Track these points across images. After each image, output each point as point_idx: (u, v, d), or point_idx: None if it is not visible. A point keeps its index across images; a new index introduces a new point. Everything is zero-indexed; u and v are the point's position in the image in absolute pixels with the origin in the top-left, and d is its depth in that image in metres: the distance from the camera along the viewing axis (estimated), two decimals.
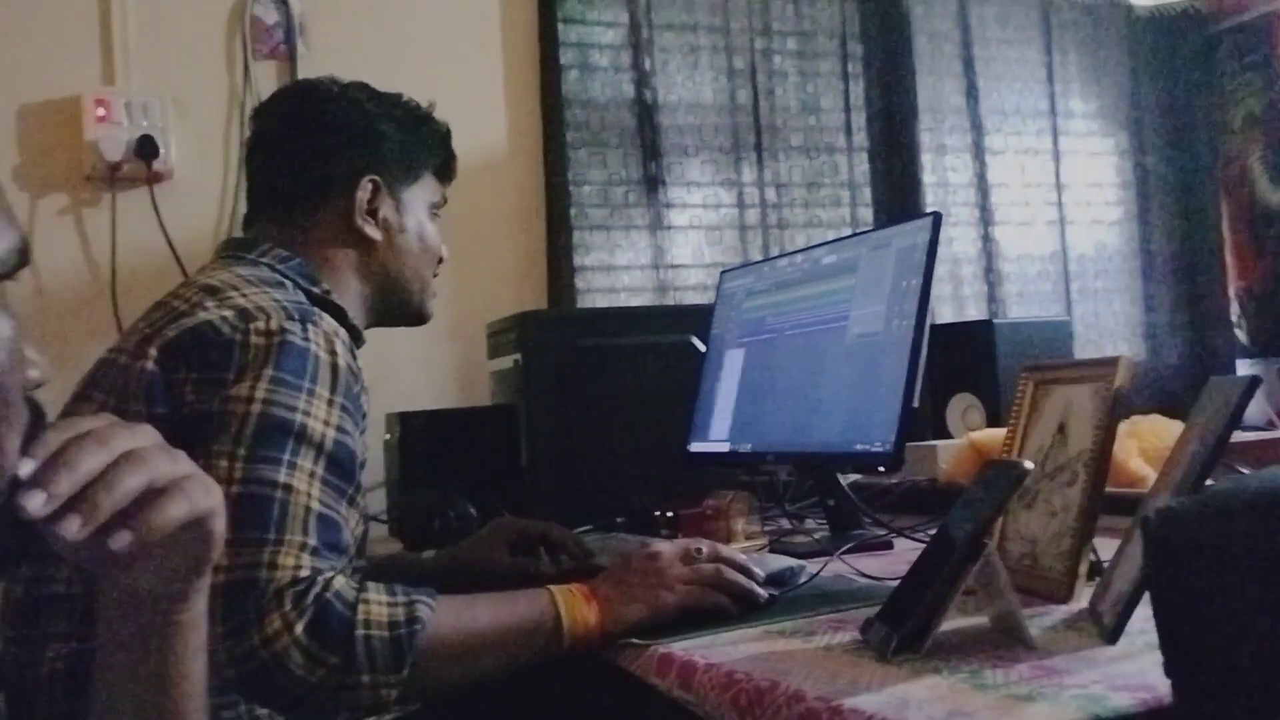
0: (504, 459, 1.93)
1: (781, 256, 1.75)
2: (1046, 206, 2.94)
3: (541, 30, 2.47)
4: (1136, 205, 3.07)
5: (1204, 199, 3.17)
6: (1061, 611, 1.00)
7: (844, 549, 1.36)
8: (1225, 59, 3.18)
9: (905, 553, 1.37)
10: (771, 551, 1.44)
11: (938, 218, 1.35)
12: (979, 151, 2.84)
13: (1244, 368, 3.09)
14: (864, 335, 1.44)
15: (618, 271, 2.49)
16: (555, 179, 2.45)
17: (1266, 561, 0.57)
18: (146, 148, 2.11)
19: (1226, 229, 3.18)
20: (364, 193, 1.33)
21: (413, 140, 1.39)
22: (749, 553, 1.34)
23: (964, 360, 2.25)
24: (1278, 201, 3.06)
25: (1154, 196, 3.09)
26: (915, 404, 1.38)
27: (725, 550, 1.17)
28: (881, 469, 1.40)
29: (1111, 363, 1.07)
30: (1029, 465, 0.91)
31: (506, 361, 2.01)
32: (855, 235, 1.60)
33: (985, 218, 2.84)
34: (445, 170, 1.45)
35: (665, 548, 1.14)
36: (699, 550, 1.13)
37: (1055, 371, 1.18)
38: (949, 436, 2.14)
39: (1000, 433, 1.53)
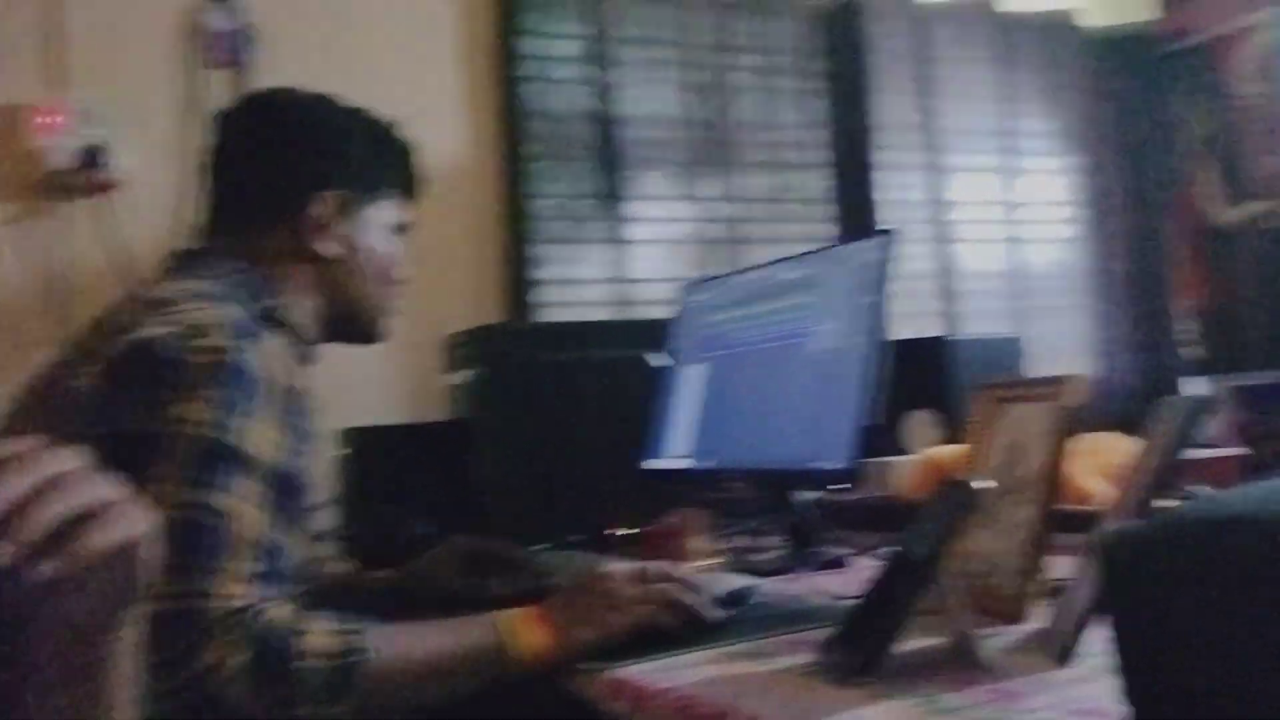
0: (459, 475, 1.90)
1: (742, 271, 1.75)
2: (1002, 224, 2.97)
3: (500, 42, 2.46)
4: (1091, 224, 3.10)
5: (1156, 218, 3.22)
6: (1017, 632, 0.99)
7: (803, 567, 1.35)
8: (1176, 80, 3.23)
9: (864, 570, 1.36)
10: (730, 570, 1.42)
11: (892, 235, 1.35)
12: (935, 169, 2.87)
13: (1195, 385, 3.13)
14: (823, 351, 1.44)
15: (577, 285, 2.48)
16: (514, 191, 2.44)
17: (1223, 583, 0.57)
18: (93, 156, 2.07)
19: (1178, 248, 3.23)
20: (324, 208, 1.29)
21: (377, 157, 1.35)
22: (706, 571, 1.33)
23: (920, 376, 2.25)
24: (1227, 222, 3.12)
25: (1108, 215, 3.13)
26: (874, 420, 1.38)
27: (677, 569, 1.15)
28: (839, 486, 1.39)
29: (1065, 381, 1.07)
30: (986, 485, 0.91)
31: (464, 375, 1.98)
32: (814, 251, 1.59)
33: (942, 235, 2.87)
34: (410, 189, 1.41)
35: (617, 568, 1.12)
36: (650, 570, 1.12)
37: (1010, 389, 1.18)
38: (905, 452, 2.14)
39: (956, 449, 1.54)
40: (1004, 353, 2.59)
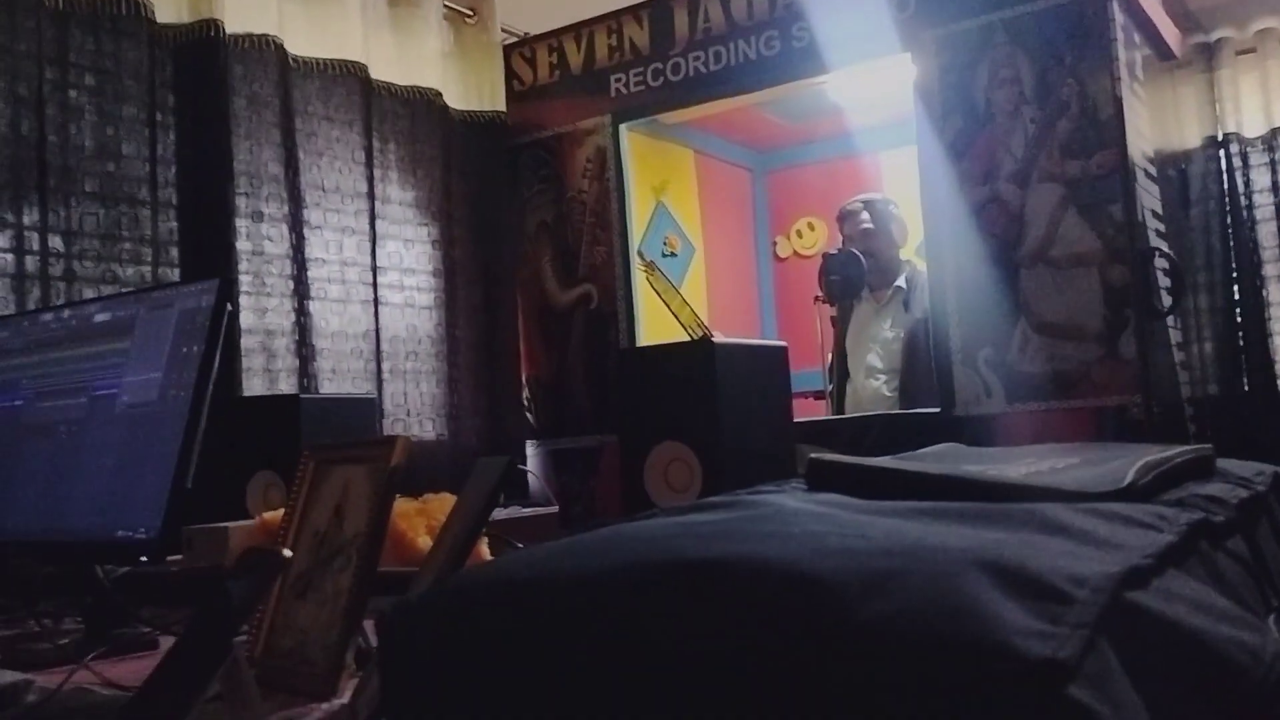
0: None
1: (45, 310, 1.51)
2: (362, 286, 2.98)
3: None
4: (445, 293, 3.25)
5: (504, 293, 3.48)
6: (323, 710, 0.93)
7: (102, 653, 1.17)
8: (525, 169, 3.55)
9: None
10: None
11: (225, 283, 1.25)
12: (297, 224, 2.80)
13: (531, 449, 3.41)
14: (136, 406, 1.28)
15: None
16: None
17: (494, 654, 0.56)
18: None
19: (521, 322, 3.52)
20: None
21: None
22: None
23: (269, 436, 2.17)
24: (563, 302, 3.47)
25: (461, 287, 3.30)
26: (195, 482, 1.25)
27: None
28: (144, 558, 1.23)
29: (389, 442, 1.05)
30: (287, 553, 0.84)
31: None
32: (133, 292, 1.43)
33: (301, 291, 2.80)
34: None
35: None
36: None
37: (335, 451, 1.14)
38: (248, 516, 2.01)
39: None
40: (359, 413, 2.58)
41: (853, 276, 3.42)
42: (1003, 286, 2.72)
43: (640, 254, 3.48)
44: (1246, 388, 3.38)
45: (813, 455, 0.82)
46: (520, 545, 1.40)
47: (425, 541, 1.58)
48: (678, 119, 3.67)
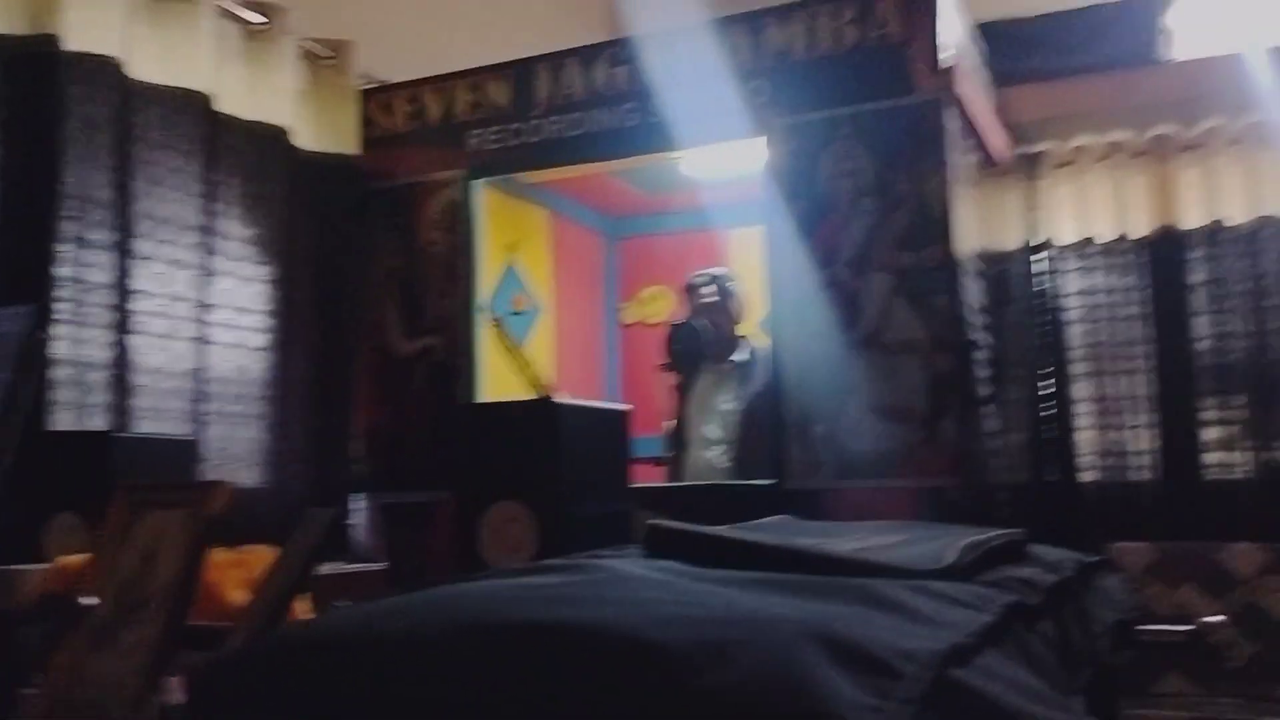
0: None
1: None
2: (190, 322, 2.85)
3: None
4: (280, 335, 3.13)
5: (343, 339, 3.38)
6: None
7: None
8: (375, 215, 3.48)
9: None
10: None
11: (37, 310, 1.18)
12: (124, 253, 2.65)
13: (360, 501, 3.30)
14: None
15: None
16: None
17: (318, 716, 0.53)
18: None
19: (359, 370, 3.42)
20: None
21: None
22: None
23: (75, 475, 2.04)
24: (405, 351, 3.39)
25: (297, 329, 3.19)
26: None
27: None
28: None
29: (209, 488, 1.00)
30: (89, 600, 0.78)
31: None
32: None
33: (123, 323, 2.65)
34: None
35: None
36: None
37: (151, 493, 1.07)
38: (48, 560, 1.87)
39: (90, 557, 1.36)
40: (176, 455, 2.46)
41: (695, 348, 3.50)
42: (838, 366, 2.82)
43: (487, 309, 3.45)
44: (1052, 477, 3.58)
45: (651, 521, 0.82)
46: (344, 604, 1.35)
47: (238, 595, 1.50)
48: (534, 179, 3.69)
